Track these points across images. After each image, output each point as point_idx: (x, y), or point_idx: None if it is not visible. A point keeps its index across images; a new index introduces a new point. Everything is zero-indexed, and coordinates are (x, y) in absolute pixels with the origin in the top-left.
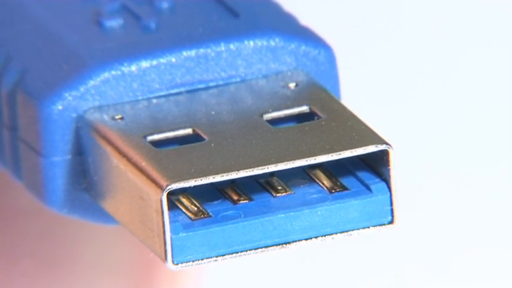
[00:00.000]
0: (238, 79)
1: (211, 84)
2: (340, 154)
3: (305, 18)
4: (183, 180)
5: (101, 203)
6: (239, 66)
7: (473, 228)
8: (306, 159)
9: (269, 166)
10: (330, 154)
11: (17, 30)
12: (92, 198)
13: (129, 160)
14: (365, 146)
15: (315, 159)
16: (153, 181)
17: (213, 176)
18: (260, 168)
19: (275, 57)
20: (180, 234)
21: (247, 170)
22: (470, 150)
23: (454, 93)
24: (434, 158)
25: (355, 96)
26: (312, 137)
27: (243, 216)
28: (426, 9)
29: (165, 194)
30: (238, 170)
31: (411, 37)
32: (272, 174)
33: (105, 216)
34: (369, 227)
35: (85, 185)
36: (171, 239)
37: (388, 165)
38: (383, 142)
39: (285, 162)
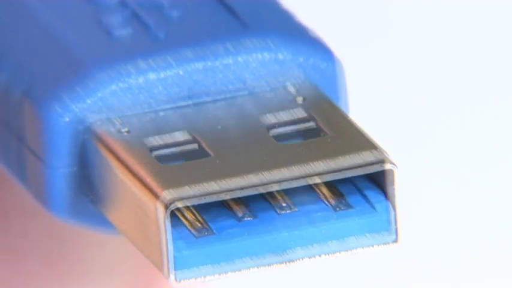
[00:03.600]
0: (245, 92)
1: (218, 97)
2: (344, 173)
3: (305, 18)
4: (186, 198)
5: (106, 215)
6: (247, 78)
7: (473, 228)
8: (310, 178)
9: (273, 185)
10: (336, 174)
11: (26, 37)
12: (98, 210)
13: (134, 175)
14: (370, 166)
15: (319, 178)
16: (156, 198)
17: (217, 194)
18: (264, 187)
19: (283, 70)
20: (183, 252)
21: (251, 189)
22: (470, 150)
23: (454, 93)
24: (434, 157)
25: (356, 96)
26: (317, 155)
27: (247, 234)
28: (426, 9)
29: (168, 212)
30: (242, 189)
31: (411, 37)
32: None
33: (110, 227)
34: (373, 246)
35: (91, 197)
36: (174, 256)
37: (393, 185)
38: (388, 162)
39: (289, 182)
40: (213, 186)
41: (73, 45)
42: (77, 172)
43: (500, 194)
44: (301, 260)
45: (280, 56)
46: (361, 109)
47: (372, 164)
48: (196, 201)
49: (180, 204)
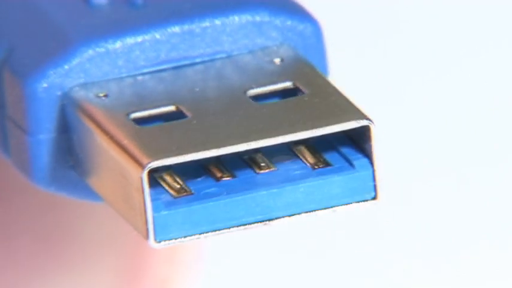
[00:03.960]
0: (223, 55)
1: (196, 60)
2: (321, 130)
3: None
4: (163, 158)
5: (86, 181)
6: (224, 42)
7: (472, 227)
8: (287, 135)
9: (250, 143)
10: (312, 130)
11: (4, 6)
12: (78, 176)
13: (111, 138)
14: (346, 122)
15: (296, 135)
16: (134, 159)
17: (194, 153)
18: (242, 145)
19: (261, 32)
20: (162, 212)
21: (228, 147)
22: (469, 149)
23: (454, 93)
24: (434, 157)
25: (356, 96)
26: (295, 113)
27: (225, 193)
28: (426, 10)
29: (145, 172)
30: (219, 147)
31: (410, 36)
32: (256, 150)
33: (93, 194)
34: (352, 203)
35: (71, 163)
36: (153, 217)
37: (370, 141)
38: (364, 118)
39: (267, 139)
40: (191, 145)
41: (51, 13)
42: (57, 138)
43: (500, 194)
44: (280, 219)
45: (258, 18)
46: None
47: (348, 120)
48: (174, 161)
49: (157, 164)
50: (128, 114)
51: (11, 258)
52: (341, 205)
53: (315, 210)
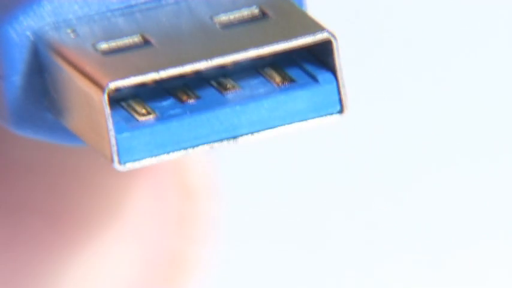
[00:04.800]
0: None
1: (170, 1)
2: (283, 45)
3: None
4: (122, 78)
5: (61, 120)
6: None
7: (472, 227)
8: (249, 52)
9: (211, 60)
10: (273, 46)
11: None
12: (54, 117)
13: (76, 67)
14: (307, 36)
15: (257, 51)
16: (94, 83)
17: (154, 73)
18: (202, 63)
19: None
20: (125, 133)
21: (188, 65)
22: (470, 149)
23: (453, 93)
24: (433, 157)
25: (356, 96)
26: (258, 33)
27: (189, 112)
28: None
29: (105, 93)
30: (179, 66)
31: (410, 36)
32: (224, 74)
33: (68, 136)
34: (318, 118)
35: (46, 104)
36: (116, 138)
37: (332, 54)
38: (325, 31)
39: (228, 56)
40: (150, 66)
41: None
42: (31, 80)
43: (500, 193)
44: (246, 136)
45: None
46: (360, 108)
47: (309, 35)
48: (133, 81)
49: (116, 84)
50: (94, 45)
51: (20, 237)
52: (307, 120)
53: (280, 126)
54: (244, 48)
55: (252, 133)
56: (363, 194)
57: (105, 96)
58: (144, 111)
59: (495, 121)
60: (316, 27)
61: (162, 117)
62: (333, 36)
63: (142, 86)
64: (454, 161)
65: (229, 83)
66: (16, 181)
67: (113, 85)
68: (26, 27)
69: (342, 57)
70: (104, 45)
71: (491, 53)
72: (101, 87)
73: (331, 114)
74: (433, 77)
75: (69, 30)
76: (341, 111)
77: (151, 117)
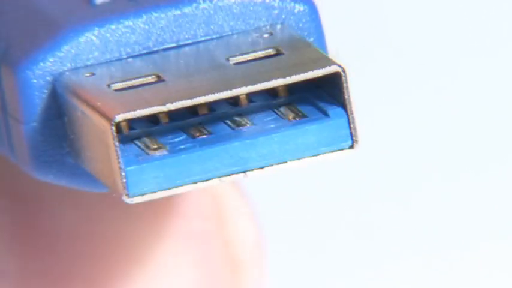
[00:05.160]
0: (215, 36)
1: (187, 42)
2: (291, 78)
3: None
4: (131, 110)
5: (79, 162)
6: (216, 23)
7: (472, 227)
8: (257, 84)
9: (220, 93)
10: (282, 79)
11: (3, 7)
12: (73, 160)
13: (88, 104)
14: (317, 69)
15: (266, 84)
16: (104, 116)
17: (162, 105)
18: (211, 95)
19: (254, 13)
20: (134, 166)
21: (197, 98)
22: (469, 150)
23: (453, 94)
24: (433, 157)
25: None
26: (269, 68)
27: (199, 146)
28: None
29: (113, 125)
30: (188, 99)
31: (412, 36)
32: (239, 114)
33: (90, 181)
34: (328, 152)
35: (66, 148)
36: (125, 170)
37: (342, 88)
38: (334, 64)
39: (237, 89)
40: (159, 100)
41: (49, 10)
42: (52, 125)
43: (500, 193)
44: (256, 170)
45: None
46: (361, 108)
47: (319, 68)
48: (140, 113)
49: (123, 117)
50: (108, 85)
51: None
52: (317, 155)
53: (290, 160)
54: (254, 81)
55: (261, 167)
56: (364, 194)
57: (113, 128)
58: (155, 146)
59: (495, 123)
60: (327, 61)
61: (172, 151)
62: (342, 69)
63: (155, 123)
64: (455, 164)
65: (242, 120)
66: (62, 250)
67: (120, 117)
68: (45, 71)
69: (352, 91)
70: (118, 84)
71: (497, 59)
72: (108, 119)
73: (342, 148)
74: (435, 85)
75: (87, 73)
76: (352, 146)
77: (161, 151)
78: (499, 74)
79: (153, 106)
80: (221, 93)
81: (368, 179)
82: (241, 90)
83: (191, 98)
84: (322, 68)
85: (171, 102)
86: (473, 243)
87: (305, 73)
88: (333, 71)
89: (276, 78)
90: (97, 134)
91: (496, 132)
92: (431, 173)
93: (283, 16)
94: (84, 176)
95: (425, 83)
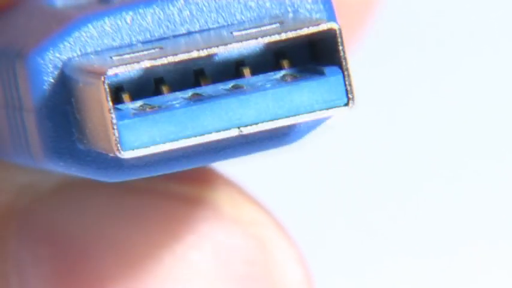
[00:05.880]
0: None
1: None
2: (285, 35)
3: None
4: (120, 66)
5: (85, 143)
6: (229, 12)
7: (472, 227)
8: (249, 40)
9: (210, 49)
10: (276, 35)
11: (22, 14)
12: (82, 145)
13: (87, 71)
14: (314, 26)
15: (260, 40)
16: (97, 73)
17: (152, 61)
18: (202, 51)
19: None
20: (126, 120)
21: (186, 54)
22: (469, 151)
23: (453, 94)
24: (434, 158)
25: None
26: (267, 32)
27: (192, 102)
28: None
29: (104, 79)
30: (178, 54)
31: (411, 37)
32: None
33: (99, 169)
34: (323, 109)
35: (76, 134)
36: (117, 124)
37: (337, 46)
38: (330, 22)
39: (229, 45)
40: (151, 57)
41: (63, 9)
42: (60, 110)
43: (500, 194)
44: (251, 125)
45: None
46: (361, 108)
47: (317, 24)
48: (130, 68)
49: (113, 71)
50: (111, 57)
51: None
52: (312, 111)
53: (285, 117)
54: (248, 38)
55: (256, 123)
56: (365, 195)
57: (105, 83)
58: (150, 106)
59: (495, 124)
60: (322, 21)
61: (166, 108)
62: (337, 27)
63: (156, 93)
64: (455, 164)
65: (240, 85)
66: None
67: (111, 71)
68: (55, 57)
69: (348, 50)
70: (119, 56)
71: (497, 59)
72: (100, 73)
73: (338, 106)
74: (434, 80)
75: (93, 55)
76: (347, 103)
77: (156, 109)
78: (499, 74)
79: (144, 61)
80: (210, 49)
81: (368, 180)
82: (233, 46)
83: (181, 52)
84: (316, 25)
85: (160, 58)
86: (472, 244)
87: (300, 30)
88: (327, 28)
89: (270, 36)
90: (94, 96)
91: (496, 132)
92: (431, 174)
93: (295, 6)
94: (93, 163)
95: (426, 84)
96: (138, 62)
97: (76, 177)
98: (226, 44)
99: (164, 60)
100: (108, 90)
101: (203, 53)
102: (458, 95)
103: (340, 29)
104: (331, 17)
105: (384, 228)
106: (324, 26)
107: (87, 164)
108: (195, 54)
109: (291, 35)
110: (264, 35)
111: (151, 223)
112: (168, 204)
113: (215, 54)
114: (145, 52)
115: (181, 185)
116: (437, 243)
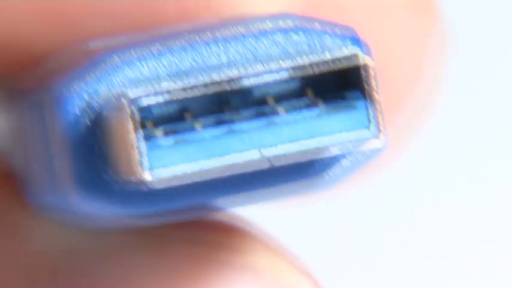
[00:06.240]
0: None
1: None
2: (311, 59)
3: None
4: (144, 87)
5: (111, 173)
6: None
7: (473, 228)
8: (281, 72)
9: (242, 80)
10: (303, 59)
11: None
12: (108, 176)
13: (112, 98)
14: (337, 51)
15: (288, 68)
16: (120, 96)
17: (172, 83)
18: (229, 82)
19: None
20: (150, 143)
21: (211, 79)
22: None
23: (454, 94)
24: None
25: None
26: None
27: (217, 127)
28: None
29: (128, 101)
30: (203, 78)
31: None
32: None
33: (127, 201)
34: (348, 137)
35: (103, 167)
36: (141, 147)
37: (368, 77)
38: (362, 56)
39: (255, 67)
40: (174, 83)
41: (97, 47)
42: (88, 142)
43: (500, 194)
44: (275, 151)
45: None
46: None
47: (340, 49)
48: (152, 90)
49: (136, 94)
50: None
51: None
52: (337, 139)
53: (311, 145)
54: (278, 68)
55: (280, 150)
56: (365, 195)
57: (128, 104)
58: (174, 132)
59: (495, 123)
60: (351, 51)
61: (191, 132)
62: (367, 57)
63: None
64: (455, 164)
65: (266, 112)
66: None
67: (134, 93)
68: (82, 90)
69: (374, 79)
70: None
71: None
72: (123, 96)
73: (361, 134)
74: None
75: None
76: (368, 128)
77: (180, 133)
78: (500, 74)
79: (167, 84)
80: (236, 79)
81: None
82: (258, 74)
83: (206, 78)
84: (344, 55)
85: (186, 84)
86: (473, 244)
87: (327, 59)
88: (356, 58)
89: (296, 64)
90: (118, 120)
91: (496, 132)
92: (432, 174)
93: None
94: (120, 195)
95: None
96: (162, 87)
97: (116, 239)
98: (252, 73)
99: (188, 86)
100: (130, 111)
101: (229, 83)
102: (457, 95)
103: (369, 59)
104: (360, 48)
105: (384, 230)
106: (352, 56)
107: (114, 196)
108: (220, 83)
109: (317, 62)
110: (290, 64)
111: (192, 285)
112: (209, 266)
113: (241, 84)
114: (171, 82)
115: (223, 250)
116: (437, 245)
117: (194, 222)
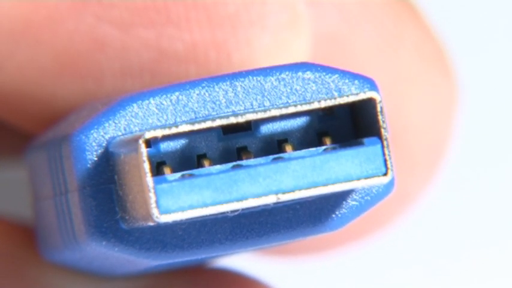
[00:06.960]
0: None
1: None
2: (325, 102)
3: None
4: (158, 128)
5: (127, 218)
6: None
7: (473, 228)
8: (289, 108)
9: (248, 115)
10: (319, 102)
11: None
12: (124, 223)
13: (127, 141)
14: (352, 95)
15: (299, 107)
16: (135, 137)
17: (190, 125)
18: (237, 117)
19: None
20: (164, 184)
21: (227, 119)
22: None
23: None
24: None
25: None
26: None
27: (230, 169)
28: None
29: (142, 141)
30: (215, 119)
31: None
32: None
33: (143, 249)
34: (362, 178)
35: (119, 213)
36: (156, 188)
37: (377, 116)
38: (371, 91)
39: (265, 112)
40: (188, 121)
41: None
42: (104, 188)
43: (501, 194)
44: (288, 193)
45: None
46: None
47: (354, 94)
48: (167, 131)
49: (152, 134)
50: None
51: None
52: (350, 180)
53: (323, 185)
54: (287, 105)
55: (293, 190)
56: None
57: (143, 146)
58: (188, 173)
59: (496, 125)
60: (365, 91)
61: (204, 174)
62: (379, 96)
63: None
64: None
65: (279, 155)
66: None
67: (149, 134)
68: (99, 136)
69: (387, 119)
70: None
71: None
72: (138, 137)
73: (376, 176)
74: None
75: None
76: (386, 173)
77: (194, 176)
78: (499, 74)
79: (178, 126)
80: (248, 115)
81: None
82: (273, 113)
83: (221, 117)
84: (357, 94)
85: (197, 123)
86: (473, 244)
87: (340, 98)
88: (368, 97)
89: (310, 104)
90: (133, 162)
91: (495, 133)
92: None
93: (341, 89)
94: (136, 243)
95: None
96: (176, 127)
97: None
98: (267, 112)
99: (202, 125)
100: (145, 152)
101: (242, 118)
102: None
103: (380, 99)
104: (374, 89)
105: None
106: (364, 95)
107: (130, 244)
108: (233, 120)
109: (330, 102)
110: (305, 106)
111: None
112: None
113: (257, 126)
114: (185, 125)
115: None
116: (437, 245)
117: (198, 269)
